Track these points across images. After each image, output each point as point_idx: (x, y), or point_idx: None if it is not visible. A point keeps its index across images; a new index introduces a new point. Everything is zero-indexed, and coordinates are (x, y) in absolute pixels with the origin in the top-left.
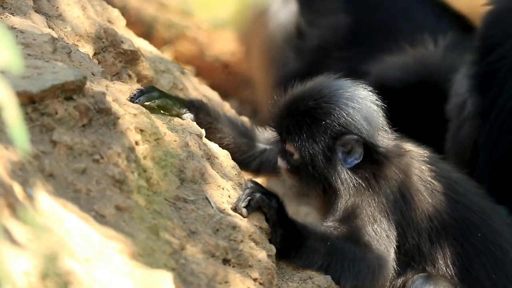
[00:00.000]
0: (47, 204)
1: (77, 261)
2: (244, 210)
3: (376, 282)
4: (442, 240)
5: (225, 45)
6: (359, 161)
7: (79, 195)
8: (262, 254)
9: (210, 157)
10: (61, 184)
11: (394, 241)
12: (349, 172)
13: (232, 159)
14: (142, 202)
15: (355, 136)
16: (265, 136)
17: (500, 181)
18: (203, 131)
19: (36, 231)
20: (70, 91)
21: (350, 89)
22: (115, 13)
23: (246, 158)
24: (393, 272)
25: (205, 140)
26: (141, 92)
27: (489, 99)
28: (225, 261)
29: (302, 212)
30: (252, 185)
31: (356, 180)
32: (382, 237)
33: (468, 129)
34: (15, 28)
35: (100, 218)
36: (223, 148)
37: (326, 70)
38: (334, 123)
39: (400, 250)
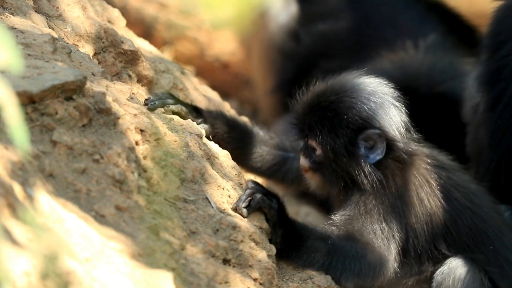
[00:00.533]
0: (47, 204)
1: (77, 261)
2: (244, 210)
3: (376, 280)
4: (456, 247)
5: (225, 45)
6: (381, 157)
7: (79, 195)
8: (262, 254)
9: (210, 157)
10: (61, 184)
11: (401, 242)
12: (371, 168)
13: (256, 171)
14: (142, 202)
15: (377, 131)
16: (288, 144)
17: (505, 177)
18: (203, 131)
19: (36, 231)
20: (70, 91)
21: (372, 84)
22: (115, 13)
23: (270, 168)
24: (397, 272)
25: (205, 140)
26: (157, 96)
27: (495, 94)
28: (225, 261)
29: (302, 212)
30: (252, 185)
31: (378, 176)
32: (388, 236)
33: (483, 130)
34: (15, 28)
35: (100, 218)
36: (244, 160)
37: (312, 77)
38: (356, 117)
39: (410, 252)
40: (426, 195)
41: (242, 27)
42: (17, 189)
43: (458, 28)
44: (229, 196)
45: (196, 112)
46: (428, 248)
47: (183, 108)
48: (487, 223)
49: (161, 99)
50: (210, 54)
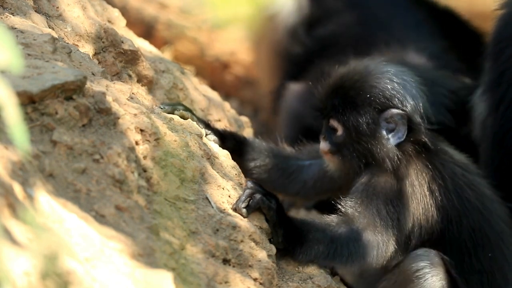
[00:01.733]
0: (47, 204)
1: (77, 261)
2: (244, 211)
3: (377, 261)
4: (456, 249)
5: (225, 45)
6: (402, 139)
7: (79, 195)
8: (262, 254)
9: (210, 157)
10: (61, 184)
11: (403, 227)
12: (393, 148)
13: (268, 183)
14: (142, 202)
15: (400, 111)
16: (301, 154)
17: (506, 178)
18: (203, 131)
19: (36, 231)
20: (70, 91)
21: (396, 68)
22: (115, 13)
23: (285, 179)
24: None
25: (205, 140)
26: (169, 103)
27: (497, 96)
28: (225, 261)
29: (302, 212)
30: (252, 185)
31: (398, 157)
32: (392, 217)
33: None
34: (15, 28)
35: (100, 218)
36: (254, 173)
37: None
38: (379, 96)
39: (407, 239)
40: (438, 187)
41: (251, 26)
42: (17, 189)
43: (463, 37)
44: (229, 196)
45: (205, 125)
46: (424, 239)
47: (194, 117)
48: (493, 229)
49: (173, 106)
50: (210, 54)
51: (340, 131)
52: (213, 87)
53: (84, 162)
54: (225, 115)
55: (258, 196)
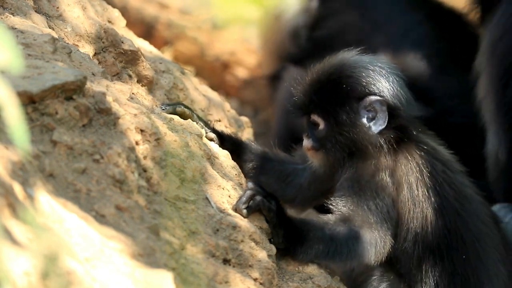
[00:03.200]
0: (47, 204)
1: (77, 261)
2: (244, 211)
3: (376, 258)
4: (429, 250)
5: (225, 45)
6: (383, 126)
7: (79, 195)
8: (262, 254)
9: (210, 157)
10: (61, 184)
11: (394, 218)
12: (375, 136)
13: (266, 185)
14: (142, 202)
15: (378, 97)
16: (295, 158)
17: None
18: (203, 131)
19: (36, 231)
20: (70, 91)
21: (371, 58)
22: (115, 13)
23: (282, 182)
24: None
25: (205, 140)
26: (169, 103)
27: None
28: (225, 261)
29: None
30: (252, 186)
31: (380, 145)
32: (383, 211)
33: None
34: (15, 28)
35: (100, 218)
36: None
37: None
38: (356, 85)
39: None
40: (416, 180)
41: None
42: (17, 189)
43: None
44: (229, 196)
45: (204, 124)
46: (395, 236)
47: (194, 116)
48: (469, 231)
49: (173, 105)
50: (210, 54)
51: (321, 125)
52: (213, 87)
53: (84, 162)
54: (225, 115)
55: (258, 198)
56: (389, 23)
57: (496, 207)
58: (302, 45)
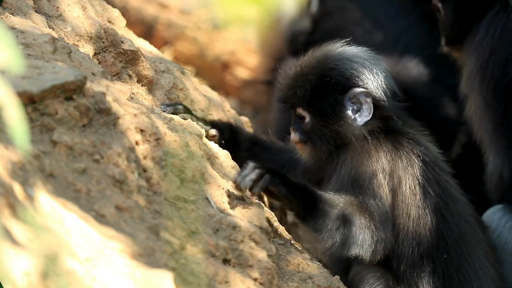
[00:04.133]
0: (47, 204)
1: (77, 261)
2: (248, 193)
3: (376, 252)
4: (413, 248)
5: (225, 45)
6: (368, 118)
7: (79, 195)
8: (262, 254)
9: (210, 157)
10: (61, 184)
11: (387, 211)
12: (360, 128)
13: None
14: (142, 202)
15: (362, 89)
16: (291, 147)
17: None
18: (203, 131)
19: (36, 231)
20: (70, 91)
21: (354, 50)
22: (115, 13)
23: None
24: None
25: (205, 140)
26: (169, 103)
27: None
28: (225, 261)
29: None
30: (253, 164)
31: (365, 137)
32: (379, 205)
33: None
34: (15, 28)
35: (100, 218)
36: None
37: None
38: (339, 77)
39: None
40: (405, 174)
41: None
42: (17, 189)
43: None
44: (229, 196)
45: (203, 122)
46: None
47: (193, 118)
48: (452, 231)
49: (172, 106)
50: (210, 54)
51: (307, 118)
52: (213, 87)
53: (84, 162)
54: (225, 115)
55: (267, 176)
56: (384, 27)
57: (491, 210)
58: (300, 50)
